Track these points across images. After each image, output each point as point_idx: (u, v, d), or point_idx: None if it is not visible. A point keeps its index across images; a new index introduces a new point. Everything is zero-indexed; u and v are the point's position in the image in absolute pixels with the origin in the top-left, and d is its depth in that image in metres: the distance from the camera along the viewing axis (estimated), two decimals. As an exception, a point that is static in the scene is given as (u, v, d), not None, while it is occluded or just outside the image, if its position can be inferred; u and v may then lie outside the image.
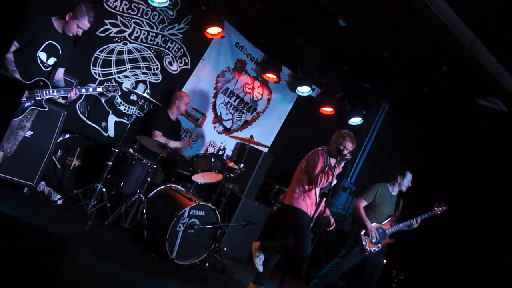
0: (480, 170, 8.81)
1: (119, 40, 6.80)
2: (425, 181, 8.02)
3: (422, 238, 7.87)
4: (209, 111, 8.20)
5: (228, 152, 7.94)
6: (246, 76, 8.51)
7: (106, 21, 6.60)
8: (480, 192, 8.74)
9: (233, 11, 7.62)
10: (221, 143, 7.15)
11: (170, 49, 7.38)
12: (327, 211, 5.95)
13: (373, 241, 6.42)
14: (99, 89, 5.40)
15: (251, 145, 6.99)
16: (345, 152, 5.68)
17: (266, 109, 8.98)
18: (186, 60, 7.61)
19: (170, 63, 7.43)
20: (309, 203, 5.71)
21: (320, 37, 8.00)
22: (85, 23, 5.11)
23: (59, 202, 6.02)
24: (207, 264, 6.11)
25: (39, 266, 3.08)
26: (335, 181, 5.63)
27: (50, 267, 3.12)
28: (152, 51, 7.18)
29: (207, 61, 7.87)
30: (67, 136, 6.51)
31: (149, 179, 6.10)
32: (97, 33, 6.55)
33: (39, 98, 4.95)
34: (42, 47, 4.95)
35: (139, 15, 6.90)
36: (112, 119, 7.04)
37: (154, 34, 7.13)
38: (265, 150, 7.77)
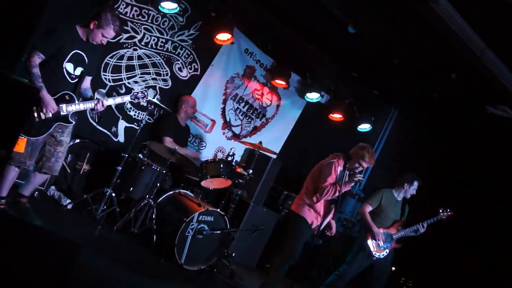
0: (490, 177, 8.76)
1: (129, 46, 6.85)
2: (434, 187, 8.00)
3: (431, 245, 7.85)
4: (218, 117, 8.22)
5: (237, 158, 7.95)
6: (255, 82, 8.53)
7: (117, 27, 6.64)
8: (490, 199, 8.70)
9: (243, 17, 7.65)
10: (230, 149, 7.18)
11: (180, 55, 7.41)
12: (331, 216, 5.86)
13: (380, 245, 6.41)
14: (127, 98, 5.21)
15: (260, 151, 6.99)
16: (360, 169, 5.63)
17: (275, 115, 8.99)
18: (196, 66, 7.65)
19: (180, 69, 7.47)
20: (314, 214, 5.60)
21: (329, 43, 8.01)
22: (110, 32, 4.90)
23: (69, 206, 6.06)
24: (216, 269, 6.12)
25: (49, 270, 3.10)
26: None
27: (60, 271, 3.14)
28: (162, 57, 7.22)
29: (217, 67, 7.90)
30: (77, 141, 6.56)
31: (158, 184, 6.14)
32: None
33: (65, 113, 4.77)
34: (68, 57, 4.75)
35: (149, 21, 6.95)
36: (122, 124, 7.08)
37: (164, 40, 7.17)
38: (274, 156, 7.78)
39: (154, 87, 7.24)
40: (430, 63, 7.17)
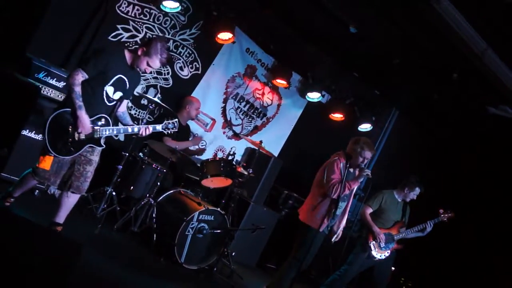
0: (491, 177, 8.77)
1: (131, 45, 6.84)
2: (434, 188, 8.00)
3: (431, 246, 7.85)
4: (218, 116, 8.22)
5: (238, 157, 7.94)
6: (256, 82, 8.53)
7: (118, 26, 6.64)
8: (491, 199, 8.70)
9: (244, 17, 7.65)
10: (231, 148, 7.16)
11: (181, 54, 7.41)
12: (338, 224, 5.75)
13: (381, 245, 6.40)
14: (158, 127, 5.02)
15: (260, 150, 6.99)
16: (365, 162, 5.60)
17: (276, 114, 8.99)
18: (197, 65, 7.65)
19: (181, 68, 7.47)
20: (319, 217, 5.48)
21: (330, 43, 8.01)
22: (156, 62, 4.69)
23: (70, 205, 6.05)
24: (216, 268, 6.12)
25: (50, 269, 3.10)
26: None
27: (60, 270, 3.14)
28: (163, 56, 7.21)
29: (218, 67, 7.90)
30: (78, 139, 6.54)
31: (158, 183, 6.14)
32: (109, 37, 6.60)
33: (98, 136, 4.63)
34: (112, 82, 4.59)
35: (151, 20, 6.95)
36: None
37: (165, 39, 7.16)
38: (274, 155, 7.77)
39: (155, 86, 7.24)
40: (431, 63, 7.17)
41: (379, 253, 6.42)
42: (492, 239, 8.55)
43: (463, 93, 7.50)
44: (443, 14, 5.65)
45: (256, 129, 8.82)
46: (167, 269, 5.62)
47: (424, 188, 6.65)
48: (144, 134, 4.86)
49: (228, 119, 8.39)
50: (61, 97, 5.66)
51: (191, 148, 7.36)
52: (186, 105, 7.19)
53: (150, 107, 6.35)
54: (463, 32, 5.90)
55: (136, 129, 4.81)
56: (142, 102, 7.18)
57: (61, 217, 4.72)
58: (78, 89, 4.39)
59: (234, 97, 8.36)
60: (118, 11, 6.59)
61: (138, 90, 7.00)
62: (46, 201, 6.00)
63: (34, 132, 5.51)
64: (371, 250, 6.38)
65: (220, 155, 8.29)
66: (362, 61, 8.20)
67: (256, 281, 6.54)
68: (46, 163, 4.46)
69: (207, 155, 7.88)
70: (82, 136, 4.50)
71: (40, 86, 5.50)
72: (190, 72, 7.60)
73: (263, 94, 8.69)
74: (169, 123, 5.12)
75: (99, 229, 5.57)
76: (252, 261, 7.67)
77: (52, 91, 5.65)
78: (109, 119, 4.70)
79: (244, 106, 8.54)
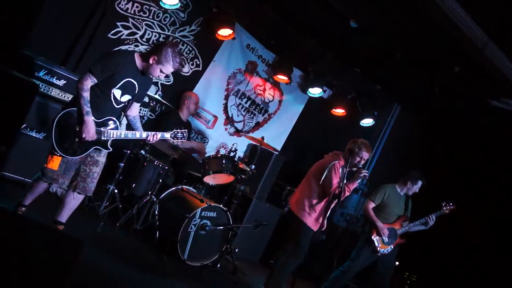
0: (493, 171, 8.75)
1: (130, 42, 6.84)
2: (437, 182, 7.98)
3: (435, 239, 7.84)
4: (220, 112, 8.22)
5: (240, 153, 7.96)
6: (257, 78, 8.52)
7: (118, 24, 6.64)
8: (494, 193, 8.68)
9: (244, 12, 7.63)
10: (233, 145, 7.16)
11: (182, 51, 7.40)
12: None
13: (384, 241, 6.40)
14: (167, 135, 4.97)
15: (262, 146, 6.98)
16: (361, 162, 5.62)
17: (277, 110, 8.98)
18: (198, 62, 7.64)
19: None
20: (314, 217, 5.54)
21: (331, 38, 7.98)
22: (169, 69, 4.62)
23: (72, 203, 6.05)
24: (219, 265, 6.13)
25: (52, 267, 3.10)
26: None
27: (62, 267, 3.14)
28: (164, 53, 7.20)
29: (218, 63, 7.89)
30: (80, 138, 6.54)
31: (160, 180, 6.13)
32: (109, 35, 6.60)
33: (105, 139, 4.60)
34: (119, 85, 4.54)
35: (150, 17, 6.94)
36: (124, 121, 7.04)
37: (165, 36, 7.16)
38: (276, 152, 7.76)
39: (156, 83, 7.24)
40: (432, 57, 7.14)
41: (382, 248, 6.41)
42: (496, 232, 8.53)
43: (465, 86, 7.47)
44: (443, 7, 5.62)
45: (258, 125, 8.81)
46: (170, 266, 5.62)
47: (426, 181, 6.64)
48: (152, 140, 4.80)
49: (230, 115, 8.38)
50: (61, 95, 5.66)
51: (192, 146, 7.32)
52: (185, 100, 7.19)
53: (151, 104, 6.34)
54: (463, 25, 5.87)
55: (144, 135, 4.76)
56: (143, 99, 7.15)
57: (63, 217, 4.71)
58: (86, 94, 4.35)
59: (235, 94, 8.35)
60: (118, 8, 6.58)
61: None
62: (48, 200, 6.00)
63: (35, 130, 5.50)
64: (375, 245, 6.38)
65: (222, 151, 8.29)
66: (363, 55, 8.17)
67: (260, 277, 6.53)
68: (54, 163, 4.44)
69: (209, 152, 7.88)
70: (88, 139, 4.45)
71: (41, 85, 5.49)
72: (191, 69, 7.59)
73: (264, 90, 8.68)
74: (178, 132, 5.07)
75: (101, 227, 5.57)
76: (255, 257, 7.68)
77: (53, 90, 5.64)
78: (117, 122, 4.66)
79: (246, 103, 8.53)
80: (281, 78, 8.52)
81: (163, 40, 7.00)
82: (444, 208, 6.62)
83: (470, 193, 8.49)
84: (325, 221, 5.68)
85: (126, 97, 4.66)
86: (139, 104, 4.94)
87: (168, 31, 7.16)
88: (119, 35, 6.67)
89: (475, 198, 8.47)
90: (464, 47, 6.27)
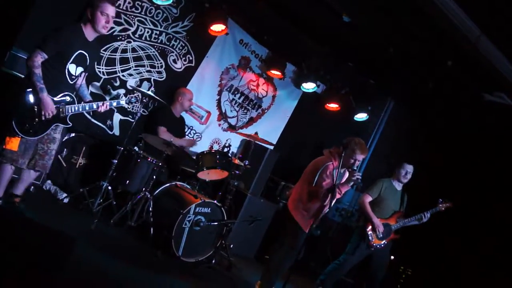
0: (487, 165, 8.77)
1: (123, 39, 6.81)
2: (431, 177, 8.00)
3: (430, 233, 7.85)
4: (213, 108, 8.20)
5: (233, 149, 7.95)
6: (251, 73, 8.51)
7: (110, 20, 6.60)
8: (487, 188, 8.70)
9: (237, 8, 7.61)
10: (226, 140, 7.13)
11: (174, 47, 7.37)
12: None
13: (379, 236, 6.41)
14: (122, 102, 5.23)
15: (256, 142, 6.97)
16: (356, 164, 5.54)
17: (271, 106, 8.97)
18: (190, 58, 7.61)
19: (174, 61, 7.43)
20: (308, 219, 5.44)
21: (324, 33, 7.97)
22: (108, 7, 4.70)
23: (65, 200, 6.05)
24: (214, 261, 6.12)
25: (45, 264, 3.09)
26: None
27: (55, 264, 3.13)
28: (156, 49, 7.18)
29: (211, 59, 7.87)
30: (73, 135, 6.54)
31: (154, 177, 6.12)
32: (101, 31, 6.55)
33: (63, 115, 4.73)
34: (72, 59, 4.65)
35: (142, 13, 6.90)
36: (117, 117, 7.06)
37: (158, 32, 7.13)
38: (271, 147, 7.76)
39: (148, 80, 7.21)
40: (426, 51, 7.14)
41: (376, 243, 6.42)
42: (492, 227, 8.56)
43: (458, 80, 7.48)
44: (436, 1, 5.62)
45: (251, 120, 8.80)
46: (165, 262, 5.61)
47: (412, 165, 6.63)
48: (101, 110, 4.98)
49: (223, 111, 8.36)
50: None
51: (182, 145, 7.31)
52: (179, 96, 7.17)
53: (144, 100, 6.32)
54: (456, 19, 5.87)
55: (95, 106, 4.93)
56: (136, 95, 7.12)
57: (20, 189, 4.93)
58: (38, 71, 4.44)
59: (228, 89, 8.33)
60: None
61: (132, 83, 6.98)
62: (41, 198, 5.99)
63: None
64: (369, 239, 6.38)
65: (215, 147, 8.28)
66: (356, 50, 8.17)
67: (255, 273, 6.53)
68: (14, 144, 4.52)
69: (202, 148, 7.87)
70: (48, 116, 4.57)
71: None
72: (184, 64, 7.57)
73: (257, 85, 8.67)
74: (132, 97, 5.34)
75: (95, 224, 5.55)
76: (250, 253, 7.68)
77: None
78: (74, 97, 4.78)
79: (239, 98, 8.51)
80: (275, 73, 8.51)
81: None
82: (440, 205, 6.64)
83: (466, 187, 8.51)
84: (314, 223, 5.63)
85: (79, 70, 4.79)
86: (86, 74, 5.04)
87: (160, 27, 7.13)
88: (111, 31, 6.62)
89: (470, 192, 8.49)
90: (457, 41, 6.28)
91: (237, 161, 6.73)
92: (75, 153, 6.65)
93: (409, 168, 6.64)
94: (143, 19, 6.93)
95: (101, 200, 5.99)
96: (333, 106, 9.10)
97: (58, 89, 4.65)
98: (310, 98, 9.13)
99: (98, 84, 6.68)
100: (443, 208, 6.66)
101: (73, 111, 4.77)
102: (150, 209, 5.91)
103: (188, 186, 6.47)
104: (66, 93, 4.72)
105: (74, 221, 5.68)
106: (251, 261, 7.56)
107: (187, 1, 7.25)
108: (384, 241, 6.48)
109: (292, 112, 9.22)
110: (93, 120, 6.79)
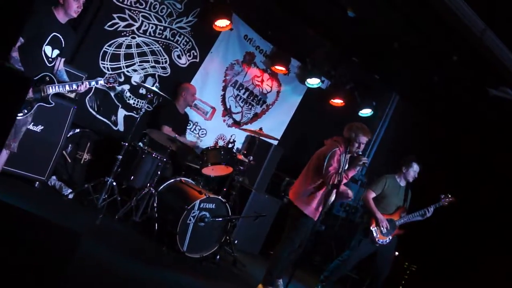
0: (492, 160, 8.73)
1: (127, 34, 6.80)
2: (436, 172, 7.96)
3: (434, 229, 7.83)
4: (218, 104, 8.19)
5: (238, 145, 7.95)
6: (255, 69, 8.49)
7: (114, 15, 6.59)
8: (494, 182, 8.67)
9: (241, 3, 7.59)
10: (231, 136, 7.17)
11: (179, 42, 7.37)
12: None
13: (383, 232, 6.39)
14: (101, 81, 5.31)
15: (261, 137, 6.96)
16: (361, 147, 5.57)
17: (275, 101, 8.96)
18: (195, 53, 7.60)
19: (179, 56, 7.43)
20: (314, 206, 5.50)
21: (329, 28, 7.95)
22: None
23: (70, 196, 6.05)
24: (218, 256, 6.12)
25: (50, 260, 3.09)
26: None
27: (60, 260, 3.12)
28: (161, 44, 7.17)
29: (216, 54, 7.85)
30: (77, 130, 6.54)
31: (159, 172, 6.12)
32: (105, 27, 6.55)
33: (45, 94, 4.80)
34: (48, 41, 4.73)
35: (147, 8, 6.89)
36: (121, 113, 7.06)
37: (162, 28, 7.12)
38: (275, 142, 7.75)
39: (153, 75, 7.21)
40: (431, 46, 7.11)
41: (380, 239, 6.41)
42: (496, 222, 8.53)
43: (463, 75, 7.44)
44: (441, -5, 5.60)
45: (256, 116, 8.79)
46: (169, 258, 5.62)
47: (421, 164, 6.61)
48: (81, 89, 5.06)
49: (228, 107, 8.36)
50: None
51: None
52: (182, 92, 7.17)
53: (149, 96, 6.32)
54: (461, 13, 5.83)
55: (74, 86, 5.00)
56: (141, 91, 7.14)
57: None
58: (15, 54, 4.49)
59: (233, 85, 8.32)
60: (114, 0, 6.53)
61: (137, 79, 6.99)
62: (46, 193, 6.00)
63: (32, 124, 5.47)
64: (374, 235, 6.37)
65: (220, 143, 8.27)
66: (361, 45, 8.14)
67: (259, 269, 6.53)
68: None
69: (207, 144, 7.87)
70: (30, 96, 4.65)
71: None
72: (188, 60, 7.56)
73: (262, 81, 8.65)
74: (109, 77, 5.38)
75: (100, 220, 5.55)
76: (255, 249, 7.68)
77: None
78: (53, 78, 4.85)
79: (244, 94, 8.50)
80: (279, 68, 8.50)
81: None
82: (443, 200, 6.61)
83: (470, 182, 8.48)
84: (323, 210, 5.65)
85: (56, 52, 4.85)
86: (64, 59, 5.08)
87: (165, 22, 7.12)
88: (115, 27, 6.63)
89: (475, 187, 8.45)
90: (462, 35, 6.24)
91: (241, 157, 6.73)
92: (80, 149, 6.65)
93: (417, 168, 6.61)
94: (147, 15, 6.92)
95: (106, 196, 5.99)
96: (337, 101, 9.07)
97: (37, 70, 4.73)
98: (315, 93, 9.11)
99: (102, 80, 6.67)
100: (446, 203, 6.63)
101: (53, 90, 4.85)
102: (155, 204, 5.92)
103: (193, 182, 6.47)
104: (45, 73, 4.80)
105: (79, 217, 5.70)
106: (255, 256, 7.57)
107: (191, -3, 7.24)
108: (389, 236, 6.46)
109: (297, 107, 9.20)
110: (98, 116, 6.80)
